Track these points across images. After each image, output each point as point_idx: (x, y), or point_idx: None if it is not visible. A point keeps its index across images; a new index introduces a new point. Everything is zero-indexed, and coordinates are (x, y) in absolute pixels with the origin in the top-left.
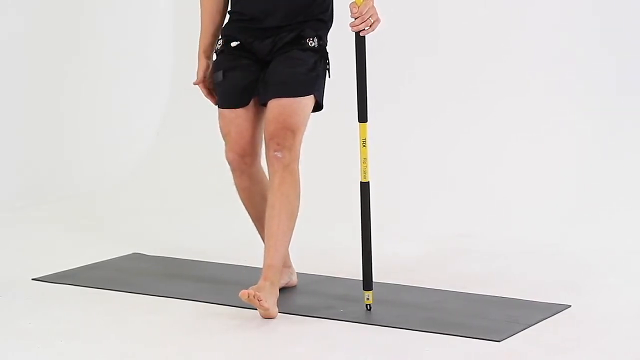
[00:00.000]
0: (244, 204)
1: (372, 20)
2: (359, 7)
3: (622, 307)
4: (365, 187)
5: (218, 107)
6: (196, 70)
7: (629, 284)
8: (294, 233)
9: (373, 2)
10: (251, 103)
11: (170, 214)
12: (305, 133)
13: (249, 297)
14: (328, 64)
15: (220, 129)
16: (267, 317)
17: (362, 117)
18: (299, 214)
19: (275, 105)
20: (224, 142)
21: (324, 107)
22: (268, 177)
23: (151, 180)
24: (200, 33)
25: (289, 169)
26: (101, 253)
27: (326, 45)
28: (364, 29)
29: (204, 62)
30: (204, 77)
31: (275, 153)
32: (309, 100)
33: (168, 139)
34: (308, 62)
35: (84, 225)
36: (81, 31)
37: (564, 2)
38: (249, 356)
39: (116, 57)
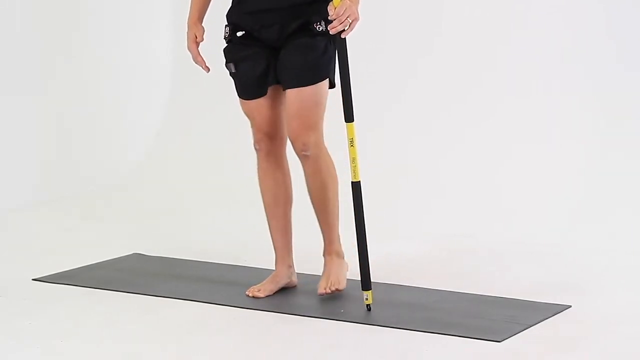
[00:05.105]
0: (260, 187)
1: (350, 20)
2: (335, 8)
3: (622, 307)
4: (356, 187)
5: (238, 95)
6: (186, 36)
7: (629, 284)
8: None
9: (353, 2)
10: (270, 89)
11: (170, 214)
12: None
13: (326, 294)
14: None
15: (244, 114)
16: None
17: (349, 117)
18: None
19: (294, 99)
20: (250, 124)
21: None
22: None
23: (151, 180)
24: (192, 1)
25: (318, 159)
26: (101, 253)
27: None
28: (343, 30)
29: (199, 26)
30: (199, 41)
31: (303, 153)
32: (324, 83)
33: (168, 138)
34: (319, 47)
35: (84, 225)
36: (81, 31)
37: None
38: (248, 356)
39: (116, 57)
